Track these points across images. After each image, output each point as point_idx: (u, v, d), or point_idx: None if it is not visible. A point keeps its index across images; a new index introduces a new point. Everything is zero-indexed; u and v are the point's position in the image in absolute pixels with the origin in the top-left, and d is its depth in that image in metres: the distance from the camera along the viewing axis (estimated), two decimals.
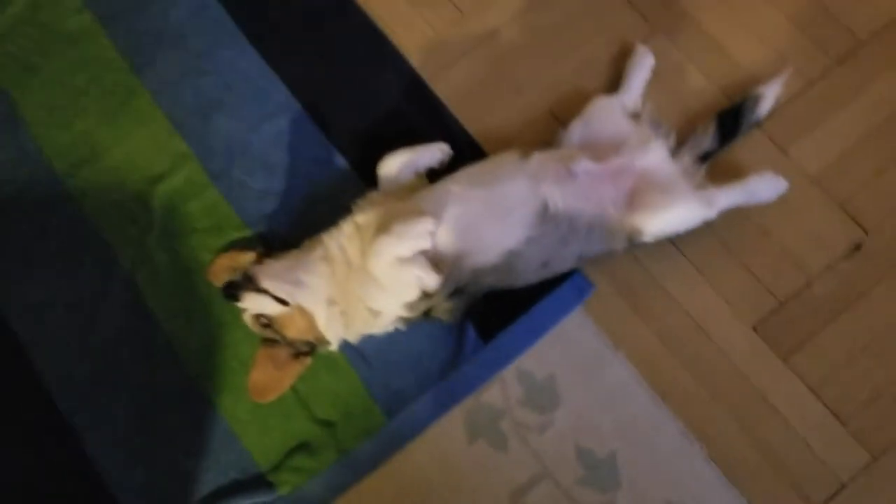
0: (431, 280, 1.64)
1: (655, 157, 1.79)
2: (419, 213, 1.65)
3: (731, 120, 1.88)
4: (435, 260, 1.66)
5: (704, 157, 1.86)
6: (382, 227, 1.65)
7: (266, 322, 1.72)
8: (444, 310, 1.75)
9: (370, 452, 1.81)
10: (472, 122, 2.01)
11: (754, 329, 1.81)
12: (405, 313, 1.72)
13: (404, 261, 1.61)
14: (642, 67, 1.95)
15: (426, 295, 1.67)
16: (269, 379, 1.76)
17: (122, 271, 1.99)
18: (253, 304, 1.70)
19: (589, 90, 1.99)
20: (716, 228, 1.84)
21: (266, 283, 1.68)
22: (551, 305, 1.85)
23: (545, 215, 1.68)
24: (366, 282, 1.67)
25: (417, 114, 2.03)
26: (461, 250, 1.67)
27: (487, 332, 1.86)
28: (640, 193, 1.75)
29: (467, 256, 1.67)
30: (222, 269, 1.86)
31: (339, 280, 1.73)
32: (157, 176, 2.04)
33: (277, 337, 1.74)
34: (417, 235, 1.61)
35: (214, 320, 1.93)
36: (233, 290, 1.67)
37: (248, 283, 1.68)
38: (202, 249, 1.98)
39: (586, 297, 1.85)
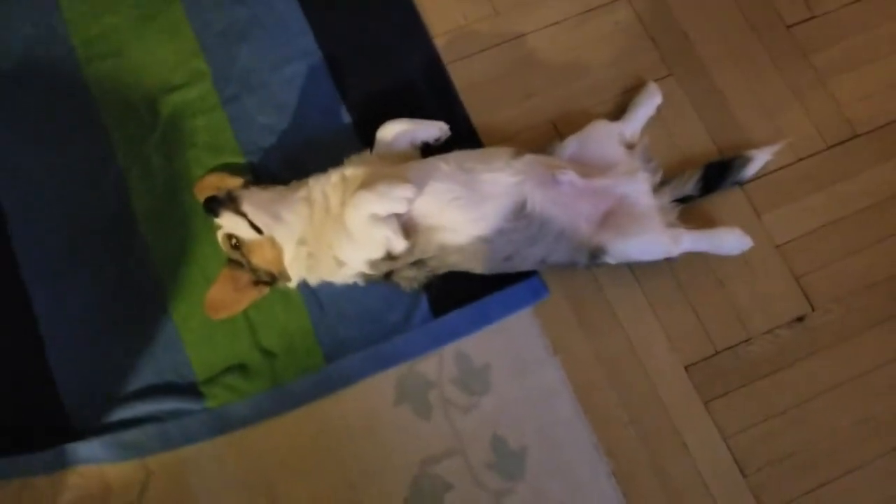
0: (399, 244, 1.72)
1: (638, 187, 1.88)
2: (404, 179, 1.73)
3: (718, 173, 1.97)
4: (407, 227, 1.74)
5: (682, 200, 1.95)
6: (366, 184, 1.73)
7: (236, 244, 1.80)
8: (405, 276, 1.83)
9: (302, 389, 1.88)
10: (478, 113, 2.10)
11: (686, 368, 1.90)
12: (368, 270, 1.80)
13: (378, 219, 1.69)
14: (649, 103, 2.04)
15: (390, 257, 1.75)
16: (225, 298, 1.84)
17: (117, 165, 2.06)
18: (229, 224, 1.78)
19: (593, 112, 2.09)
20: (675, 268, 1.94)
21: (247, 208, 1.76)
22: (504, 299, 1.93)
23: (520, 212, 1.76)
24: (338, 231, 1.75)
25: (429, 92, 2.11)
26: (434, 224, 1.75)
27: (439, 307, 1.93)
28: (613, 216, 1.84)
29: (438, 231, 1.76)
30: (209, 187, 1.93)
31: (315, 224, 1.81)
32: (171, 86, 2.12)
33: (243, 261, 1.82)
34: (396, 198, 1.68)
35: (190, 232, 2.00)
36: (214, 205, 1.75)
37: (230, 202, 1.76)
38: (196, 164, 2.06)
39: (539, 300, 1.94)
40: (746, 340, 1.92)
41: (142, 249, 1.99)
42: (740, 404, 1.87)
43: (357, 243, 1.74)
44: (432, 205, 1.75)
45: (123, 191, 2.04)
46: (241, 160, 2.07)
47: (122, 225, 2.02)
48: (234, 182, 1.94)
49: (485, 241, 1.77)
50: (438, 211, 1.75)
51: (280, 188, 1.88)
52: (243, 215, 1.76)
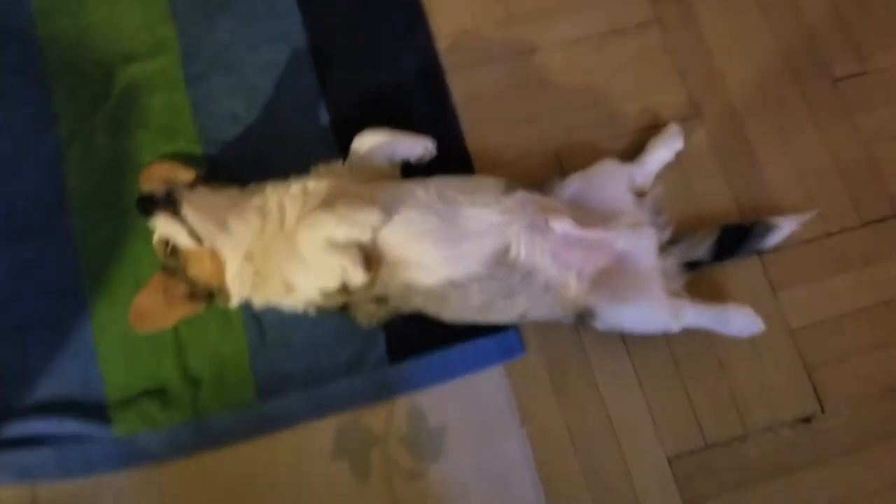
0: (357, 276, 1.48)
1: (642, 244, 1.63)
2: (371, 201, 1.49)
3: (735, 238, 1.73)
4: (369, 257, 1.50)
5: (691, 265, 1.70)
6: (328, 202, 1.50)
7: (172, 250, 1.55)
8: (363, 312, 1.59)
9: (226, 426, 1.64)
10: (473, 132, 1.84)
11: (669, 461, 1.66)
12: (319, 299, 1.55)
13: (335, 245, 1.46)
14: (667, 147, 1.79)
15: (346, 289, 1.51)
16: (154, 308, 1.58)
17: (55, 137, 1.80)
18: (163, 228, 1.52)
19: (603, 148, 1.84)
20: (672, 340, 1.71)
21: (188, 212, 1.51)
22: (473, 352, 1.69)
23: (502, 258, 1.52)
24: (290, 251, 1.51)
25: (422, 99, 1.85)
26: (401, 258, 1.51)
27: (398, 351, 1.69)
28: (609, 275, 1.59)
29: (405, 268, 1.52)
30: (156, 177, 1.68)
31: (266, 238, 1.57)
32: (131, 54, 1.85)
33: (178, 270, 1.57)
34: (359, 224, 1.45)
35: (126, 226, 1.75)
36: (148, 205, 1.50)
37: (168, 203, 1.51)
38: (145, 148, 1.80)
39: (513, 359, 1.69)
40: (742, 437, 1.68)
41: (68, 235, 1.74)
42: None
43: (310, 269, 1.50)
44: (401, 235, 1.51)
45: (57, 164, 1.79)
46: (197, 150, 1.82)
47: (51, 203, 1.76)
48: (185, 175, 1.69)
49: (456, 285, 1.53)
50: (407, 243, 1.51)
51: (233, 191, 1.63)
52: (182, 221, 1.50)
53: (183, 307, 1.59)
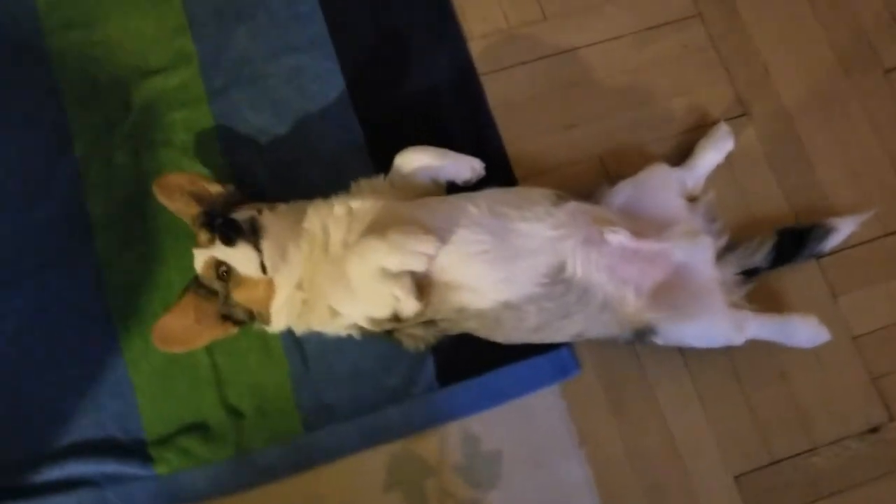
0: (410, 307, 1.40)
1: (699, 255, 1.55)
2: (424, 226, 1.40)
3: (793, 243, 1.66)
4: (421, 284, 1.41)
5: (748, 273, 1.62)
6: (377, 227, 1.42)
7: (223, 275, 1.45)
8: (410, 335, 1.51)
9: (272, 460, 1.56)
10: (512, 138, 1.76)
11: (736, 479, 1.59)
12: (366, 325, 1.47)
13: (388, 275, 1.37)
14: (717, 149, 1.71)
15: (396, 318, 1.43)
16: (183, 329, 1.49)
17: (72, 158, 1.71)
18: (238, 259, 1.42)
19: (649, 152, 1.75)
20: (732, 352, 1.63)
21: (267, 244, 1.42)
22: (526, 373, 1.61)
23: (558, 275, 1.44)
24: (337, 279, 1.43)
25: (456, 106, 1.77)
26: (452, 281, 1.43)
27: (447, 375, 1.61)
28: (668, 290, 1.51)
29: (457, 291, 1.44)
30: (176, 188, 1.57)
31: (312, 264, 1.48)
32: (149, 69, 1.76)
33: (221, 293, 1.48)
34: (414, 254, 1.36)
35: (154, 251, 1.66)
36: (231, 233, 1.39)
37: (252, 233, 1.42)
38: (169, 166, 1.71)
39: (567, 378, 1.62)
40: (809, 450, 1.61)
41: (94, 267, 1.65)
42: None
43: (358, 298, 1.42)
44: (454, 257, 1.42)
45: (78, 189, 1.69)
46: (223, 164, 1.73)
47: (73, 233, 1.67)
48: (212, 188, 1.60)
49: (510, 307, 1.45)
50: (461, 265, 1.42)
51: (283, 209, 1.53)
52: (260, 252, 1.41)
53: (214, 329, 1.51)
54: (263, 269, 1.42)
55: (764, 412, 1.62)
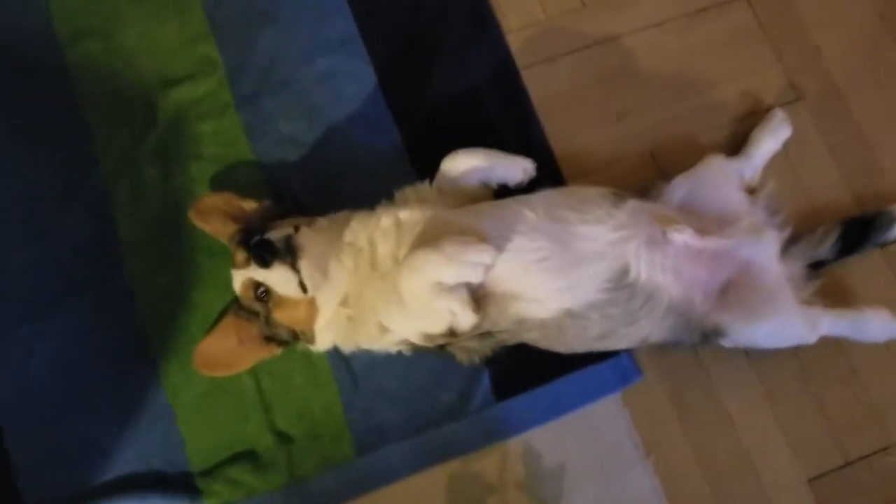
0: (467, 320, 1.33)
1: (765, 251, 1.47)
2: (479, 235, 1.32)
3: (858, 232, 1.58)
4: (478, 296, 1.34)
5: (814, 266, 1.54)
6: (428, 238, 1.34)
7: (263, 296, 1.38)
8: (464, 348, 1.43)
9: (327, 487, 1.49)
10: (557, 134, 1.67)
11: (809, 482, 1.52)
12: (419, 342, 1.40)
13: (443, 289, 1.29)
14: (774, 137, 1.63)
15: (451, 333, 1.35)
16: (224, 351, 1.44)
17: (98, 176, 1.63)
18: (275, 280, 1.35)
19: (701, 142, 1.67)
20: (798, 351, 1.55)
21: (305, 263, 1.34)
22: (586, 382, 1.54)
23: (622, 280, 1.36)
24: (388, 295, 1.35)
25: (498, 103, 1.68)
26: (511, 291, 1.35)
27: (504, 388, 1.54)
28: (735, 289, 1.44)
29: (517, 301, 1.36)
30: (212, 210, 1.52)
31: (359, 279, 1.41)
32: (173, 78, 1.67)
33: (262, 314, 1.41)
34: (471, 265, 1.28)
35: (189, 273, 1.58)
36: (266, 255, 1.32)
37: (288, 253, 1.34)
38: (201, 180, 1.63)
39: (629, 385, 1.55)
40: (885, 448, 1.54)
41: (126, 292, 1.57)
42: None
43: (411, 314, 1.34)
44: (513, 266, 1.35)
45: (106, 211, 1.61)
46: (257, 177, 1.64)
47: (102, 257, 1.59)
48: (248, 206, 1.54)
49: (574, 316, 1.37)
50: (519, 275, 1.35)
51: (324, 224, 1.46)
52: (297, 272, 1.34)
53: (257, 350, 1.46)
54: (304, 288, 1.35)
55: (835, 411, 1.55)
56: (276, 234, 1.36)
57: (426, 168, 1.52)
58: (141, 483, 1.47)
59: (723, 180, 1.54)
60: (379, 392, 1.53)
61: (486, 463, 1.51)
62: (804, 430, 1.54)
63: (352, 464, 1.50)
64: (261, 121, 1.66)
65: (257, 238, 1.34)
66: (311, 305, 1.38)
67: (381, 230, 1.41)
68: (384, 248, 1.40)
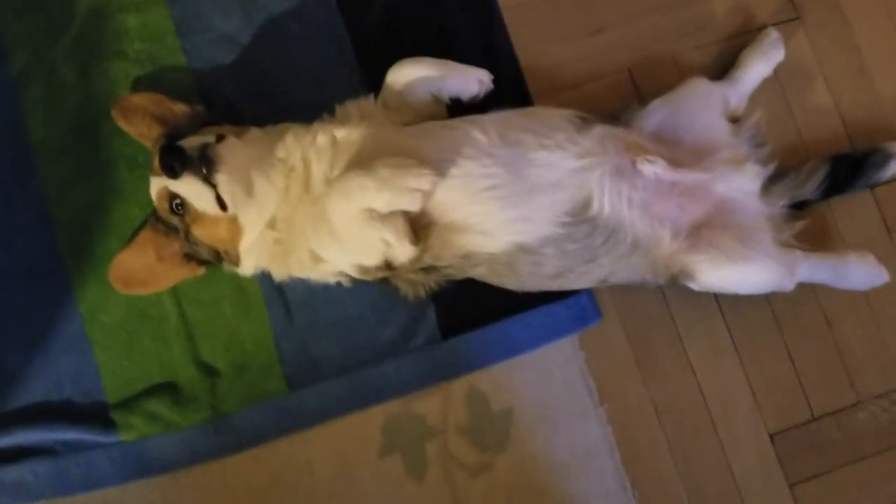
0: (404, 252, 1.21)
1: (745, 188, 1.35)
2: (418, 157, 1.19)
3: (847, 171, 1.46)
4: (417, 224, 1.22)
5: (797, 206, 1.41)
6: (363, 160, 1.21)
7: (179, 208, 1.26)
8: (408, 280, 1.32)
9: (252, 423, 1.39)
10: (527, 47, 1.51)
11: (771, 437, 1.43)
12: (354, 273, 1.28)
13: (376, 217, 1.16)
14: (766, 59, 1.47)
15: (388, 266, 1.24)
16: (143, 267, 1.34)
17: (7, 74, 1.45)
18: (188, 192, 1.23)
19: (685, 62, 1.52)
20: (772, 296, 1.45)
21: (223, 177, 1.21)
22: (540, 322, 1.43)
23: (582, 213, 1.24)
24: (318, 221, 1.22)
25: (462, 9, 1.50)
26: (457, 222, 1.23)
27: (451, 326, 1.43)
28: (709, 229, 1.32)
29: (462, 233, 1.24)
30: (138, 110, 1.38)
31: (290, 202, 1.28)
32: None
33: (180, 228, 1.29)
34: (407, 191, 1.15)
35: (109, 182, 1.44)
36: (175, 163, 1.18)
37: (202, 162, 1.20)
38: (122, 82, 1.47)
39: (587, 327, 1.43)
40: (854, 405, 1.46)
41: (38, 203, 1.43)
42: (835, 490, 1.43)
43: (342, 243, 1.22)
44: (458, 194, 1.22)
45: (16, 113, 1.45)
46: (188, 80, 1.48)
47: (13, 161, 1.44)
48: (177, 108, 1.39)
49: (527, 251, 1.25)
50: (465, 203, 1.23)
51: (255, 134, 1.32)
52: (213, 186, 1.20)
53: (177, 269, 1.36)
54: (222, 204, 1.22)
55: (806, 363, 1.46)
56: (191, 142, 1.21)
57: (378, 79, 1.37)
58: (51, 413, 1.37)
59: (705, 106, 1.40)
60: (314, 324, 1.42)
61: (426, 404, 1.41)
62: (770, 380, 1.46)
63: (281, 400, 1.39)
64: (192, 15, 1.49)
65: (166, 143, 1.20)
66: (234, 224, 1.26)
67: (315, 149, 1.27)
68: (318, 169, 1.26)
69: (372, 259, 1.22)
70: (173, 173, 1.18)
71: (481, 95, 1.36)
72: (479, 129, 1.24)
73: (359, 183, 1.15)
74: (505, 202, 1.21)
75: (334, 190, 1.18)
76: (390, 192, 1.14)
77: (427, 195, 1.17)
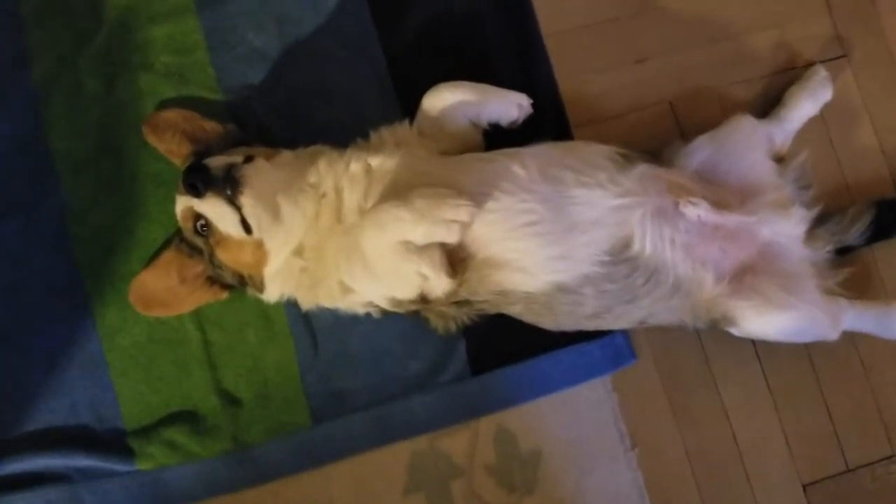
0: (441, 285, 1.17)
1: (790, 231, 1.31)
2: (457, 189, 1.15)
3: (892, 216, 1.42)
4: (454, 258, 1.17)
5: (841, 252, 1.37)
6: (398, 190, 1.17)
7: (204, 229, 1.22)
8: (439, 313, 1.27)
9: (275, 456, 1.35)
10: (567, 75, 1.48)
11: (804, 488, 1.40)
12: (386, 306, 1.24)
13: (412, 249, 1.12)
14: (813, 98, 1.44)
15: (423, 299, 1.20)
16: (163, 289, 1.31)
17: (29, 82, 1.40)
18: (212, 213, 1.19)
19: (728, 97, 1.49)
20: (810, 344, 1.39)
21: (248, 199, 1.16)
22: (573, 361, 1.40)
23: (622, 253, 1.20)
24: (351, 252, 1.18)
25: (500, 30, 1.47)
26: (495, 257, 1.19)
27: (481, 361, 1.39)
28: (752, 274, 1.28)
29: (500, 269, 1.20)
30: (169, 126, 1.35)
31: (320, 230, 1.24)
32: None
33: (204, 250, 1.26)
34: (444, 222, 1.12)
35: (132, 199, 1.39)
36: (198, 182, 1.14)
37: (227, 183, 1.16)
38: (149, 95, 1.42)
39: (621, 367, 1.39)
40: (890, 457, 1.43)
41: (59, 219, 1.37)
42: None
43: (375, 276, 1.17)
44: (496, 228, 1.18)
45: (37, 123, 1.40)
46: (217, 97, 1.43)
47: (31, 174, 1.39)
48: (208, 126, 1.36)
49: (566, 290, 1.21)
50: (504, 238, 1.18)
51: (287, 157, 1.28)
52: (237, 208, 1.16)
53: (199, 292, 1.32)
54: (247, 227, 1.18)
55: (842, 413, 1.43)
56: (217, 161, 1.18)
57: (413, 102, 1.32)
58: (67, 438, 1.32)
59: (749, 145, 1.36)
60: (341, 355, 1.38)
61: (453, 442, 1.37)
62: (805, 430, 1.43)
63: (305, 432, 1.35)
64: (224, 28, 1.44)
65: (191, 162, 1.16)
66: (259, 249, 1.22)
67: (348, 176, 1.23)
68: (351, 198, 1.22)
69: (407, 292, 1.18)
70: (196, 192, 1.14)
71: (520, 121, 1.32)
72: (519, 164, 1.20)
73: (394, 214, 1.11)
74: (544, 239, 1.17)
75: (368, 221, 1.14)
76: (427, 223, 1.10)
77: (465, 227, 1.13)
